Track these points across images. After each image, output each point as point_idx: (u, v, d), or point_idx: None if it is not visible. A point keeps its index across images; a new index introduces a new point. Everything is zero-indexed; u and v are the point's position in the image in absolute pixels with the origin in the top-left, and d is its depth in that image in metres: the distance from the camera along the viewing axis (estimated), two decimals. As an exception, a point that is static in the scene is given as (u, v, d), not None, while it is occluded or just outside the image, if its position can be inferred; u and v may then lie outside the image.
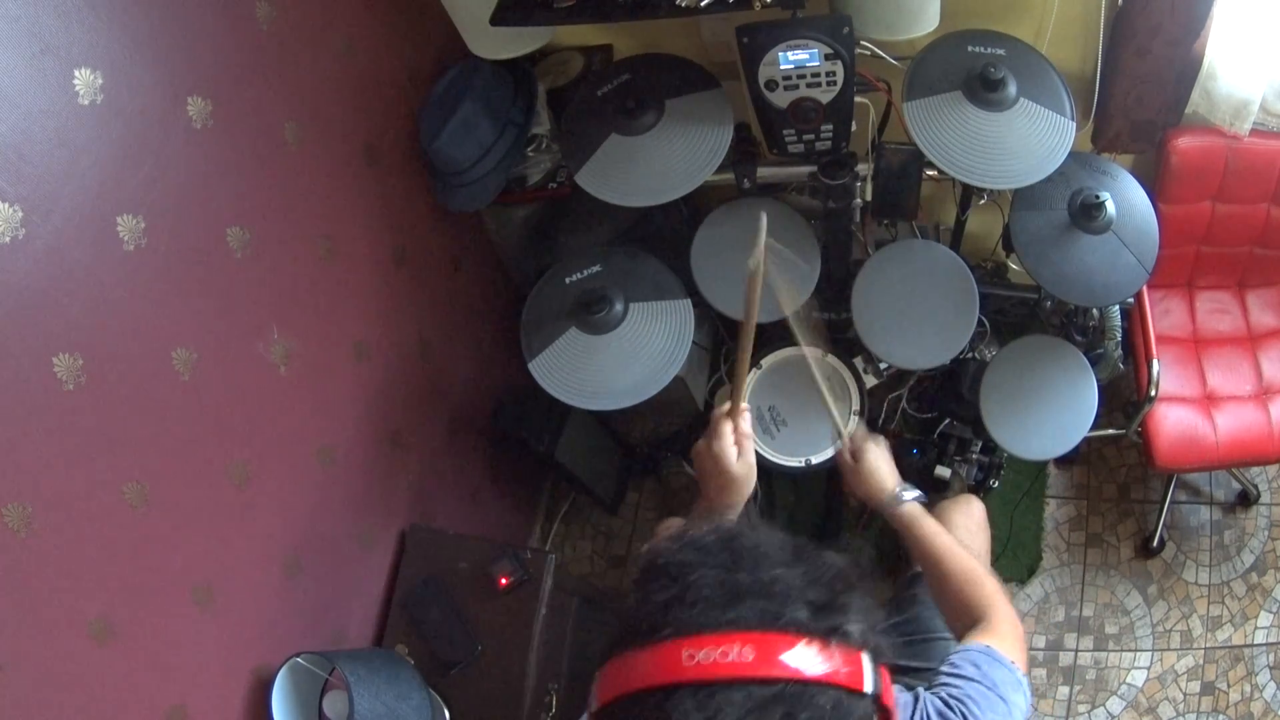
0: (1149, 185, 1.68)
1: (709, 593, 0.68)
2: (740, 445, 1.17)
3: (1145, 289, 1.84)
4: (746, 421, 1.19)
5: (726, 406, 1.18)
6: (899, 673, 1.39)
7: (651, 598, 0.69)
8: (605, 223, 1.95)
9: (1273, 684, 2.03)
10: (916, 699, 0.92)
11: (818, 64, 1.41)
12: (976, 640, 1.03)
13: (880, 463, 1.34)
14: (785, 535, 0.76)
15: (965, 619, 1.11)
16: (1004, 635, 1.04)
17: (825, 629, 0.67)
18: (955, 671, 0.96)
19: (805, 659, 0.64)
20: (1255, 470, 2.22)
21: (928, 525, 1.24)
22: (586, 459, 2.17)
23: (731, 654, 0.63)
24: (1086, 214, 1.59)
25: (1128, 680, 2.08)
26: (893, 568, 2.19)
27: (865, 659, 0.68)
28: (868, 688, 0.66)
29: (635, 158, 1.56)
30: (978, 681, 0.94)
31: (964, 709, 0.90)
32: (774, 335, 1.86)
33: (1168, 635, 2.11)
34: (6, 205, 0.97)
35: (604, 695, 0.69)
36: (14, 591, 1.00)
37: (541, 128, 1.75)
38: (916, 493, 1.29)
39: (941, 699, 0.92)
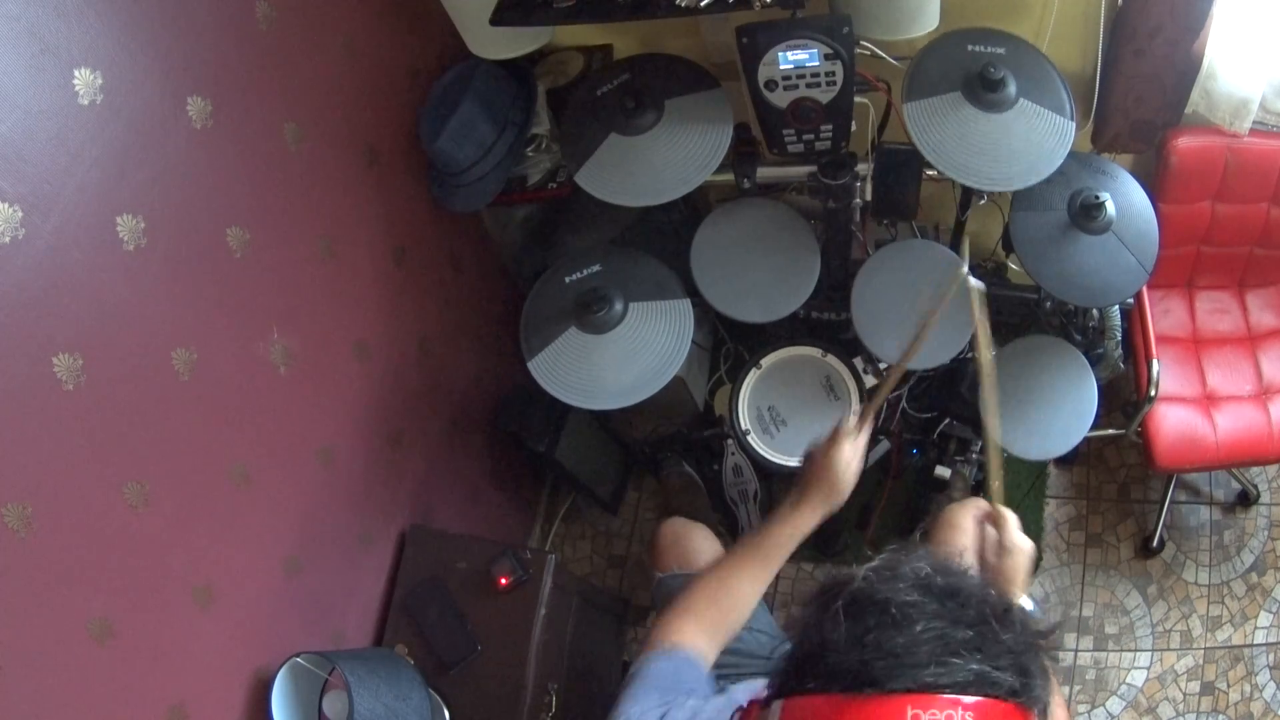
0: (1149, 185, 1.68)
1: (936, 648, 0.66)
2: (852, 460, 1.21)
3: (1145, 289, 1.84)
4: (865, 437, 1.22)
5: (854, 421, 1.22)
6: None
7: (873, 641, 0.67)
8: (605, 223, 1.95)
9: (1273, 684, 2.03)
10: None
11: (817, 64, 1.41)
12: None
13: (1022, 576, 1.24)
14: (984, 584, 0.75)
15: None
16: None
17: (1029, 698, 0.67)
18: None
19: None
20: (1255, 470, 2.22)
21: None
22: (586, 459, 2.17)
23: (955, 718, 0.63)
24: (1086, 214, 1.59)
25: (1128, 680, 2.08)
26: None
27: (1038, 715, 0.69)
28: None
29: (635, 158, 1.56)
30: None
31: None
32: (774, 335, 1.86)
33: (1168, 635, 2.11)
34: (6, 205, 0.97)
35: None
36: (14, 591, 1.00)
37: (541, 128, 1.75)
38: (1036, 611, 1.24)
39: None
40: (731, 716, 0.83)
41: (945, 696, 0.64)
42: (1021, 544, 1.22)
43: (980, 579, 0.75)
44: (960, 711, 0.63)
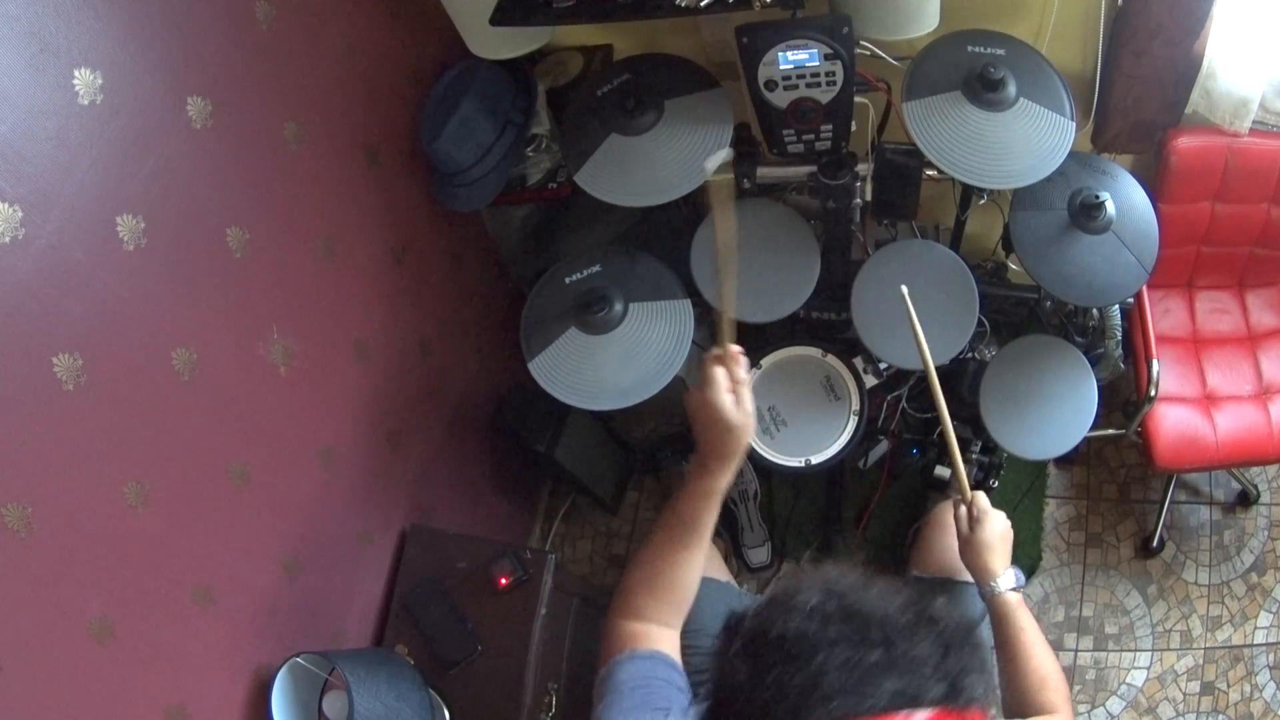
0: (1149, 185, 1.68)
1: (842, 677, 0.63)
2: (736, 392, 1.06)
3: (1145, 289, 1.84)
4: (742, 366, 1.08)
5: (718, 352, 1.08)
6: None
7: (774, 680, 0.64)
8: (605, 223, 1.95)
9: (1273, 684, 2.03)
10: None
11: (817, 64, 1.41)
12: (1040, 718, 1.05)
13: (995, 541, 1.28)
14: (888, 584, 0.71)
15: (1027, 710, 1.11)
16: None
17: (964, 700, 0.65)
18: None
19: None
20: (1255, 470, 2.22)
21: (1020, 619, 1.21)
22: (586, 459, 2.17)
23: None
24: (1086, 214, 1.59)
25: (1127, 680, 2.08)
26: (894, 569, 2.19)
27: (985, 715, 0.67)
28: None
29: (635, 158, 1.56)
30: None
31: None
32: (774, 335, 1.86)
33: (1167, 635, 2.11)
34: (6, 205, 0.97)
35: None
36: (14, 591, 1.00)
37: (541, 128, 1.75)
38: (1020, 580, 1.28)
39: None
40: None
41: None
42: (989, 510, 1.27)
43: (883, 589, 0.71)
44: None
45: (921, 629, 0.68)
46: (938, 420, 2.06)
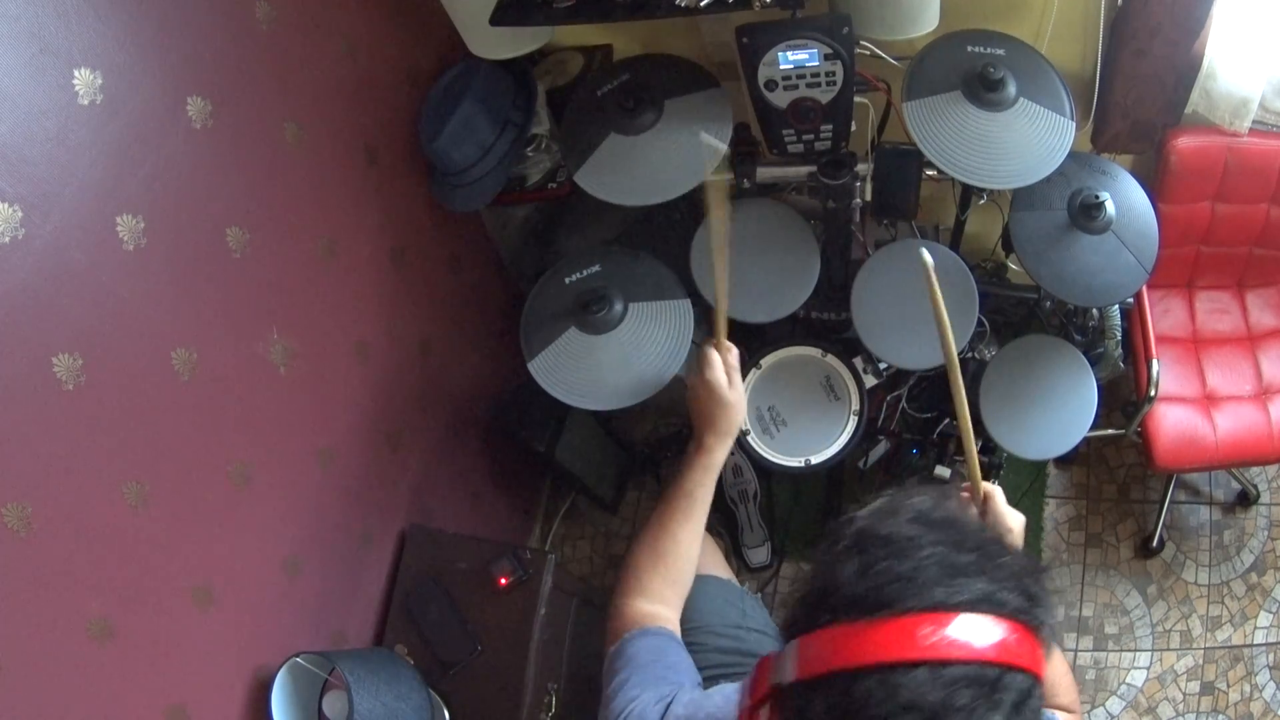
0: (1149, 185, 1.68)
1: (940, 571, 0.68)
2: (729, 375, 1.20)
3: (1145, 289, 1.84)
4: (734, 354, 1.22)
5: (714, 340, 1.21)
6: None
7: (880, 570, 0.69)
8: (605, 223, 1.95)
9: (1272, 684, 2.03)
10: None
11: (817, 64, 1.40)
12: (1049, 712, 1.04)
13: (1012, 533, 1.24)
14: (980, 520, 0.76)
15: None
16: (1070, 718, 1.05)
17: (1036, 620, 0.69)
18: None
19: (1021, 647, 0.66)
20: (1255, 470, 2.22)
21: None
22: (586, 459, 2.17)
23: (965, 634, 0.65)
24: (1086, 214, 1.59)
25: (1127, 680, 2.08)
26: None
27: (1045, 649, 0.70)
28: (1045, 675, 0.69)
29: (635, 157, 1.56)
30: None
31: None
32: (774, 335, 1.86)
33: (1167, 635, 2.11)
34: (6, 205, 0.97)
35: (815, 667, 0.68)
36: (14, 591, 1.00)
37: (541, 128, 1.75)
38: None
39: None
40: (741, 687, 0.83)
41: (951, 613, 0.65)
42: (1003, 507, 1.21)
43: (976, 517, 0.75)
44: (972, 627, 0.65)
45: (1006, 551, 0.73)
46: (938, 420, 2.07)
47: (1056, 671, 1.14)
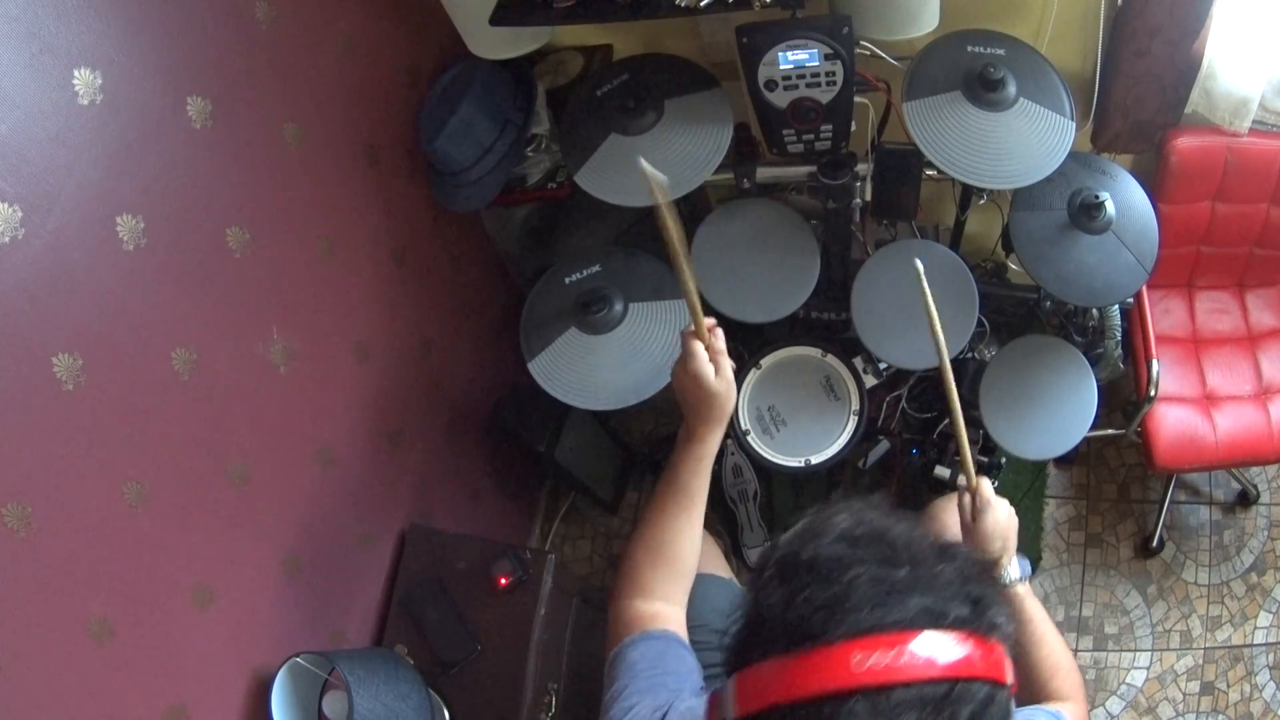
0: (1149, 185, 1.68)
1: (871, 591, 0.65)
2: (716, 362, 1.13)
3: (1145, 289, 1.84)
4: (719, 338, 1.15)
5: (693, 327, 1.15)
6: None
7: (805, 598, 0.66)
8: (605, 223, 1.94)
9: (1272, 684, 2.03)
10: None
11: (817, 64, 1.41)
12: (1050, 705, 1.04)
13: (1000, 531, 1.23)
14: (914, 525, 0.74)
15: (1039, 699, 1.11)
16: (1074, 709, 1.05)
17: (986, 625, 0.66)
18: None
19: (972, 657, 0.64)
20: (1255, 470, 2.22)
21: (1029, 609, 1.19)
22: (586, 459, 2.17)
23: (905, 656, 0.62)
24: (1086, 214, 1.59)
25: (1127, 680, 2.08)
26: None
27: (1005, 650, 0.68)
28: (1009, 678, 0.67)
29: (635, 157, 1.55)
30: None
31: None
32: (774, 335, 1.86)
33: (1167, 635, 2.11)
34: (6, 205, 0.97)
35: (752, 703, 0.66)
36: (14, 591, 1.00)
37: (541, 128, 1.75)
38: (1026, 571, 1.25)
39: None
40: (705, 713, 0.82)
41: (890, 635, 0.63)
42: (993, 498, 1.22)
43: (908, 522, 0.73)
44: (911, 648, 0.62)
45: (945, 558, 0.70)
46: (938, 420, 2.07)
47: (1053, 657, 1.13)
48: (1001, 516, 1.24)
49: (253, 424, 1.37)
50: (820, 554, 0.69)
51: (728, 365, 1.15)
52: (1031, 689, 1.12)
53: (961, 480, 1.31)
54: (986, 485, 1.27)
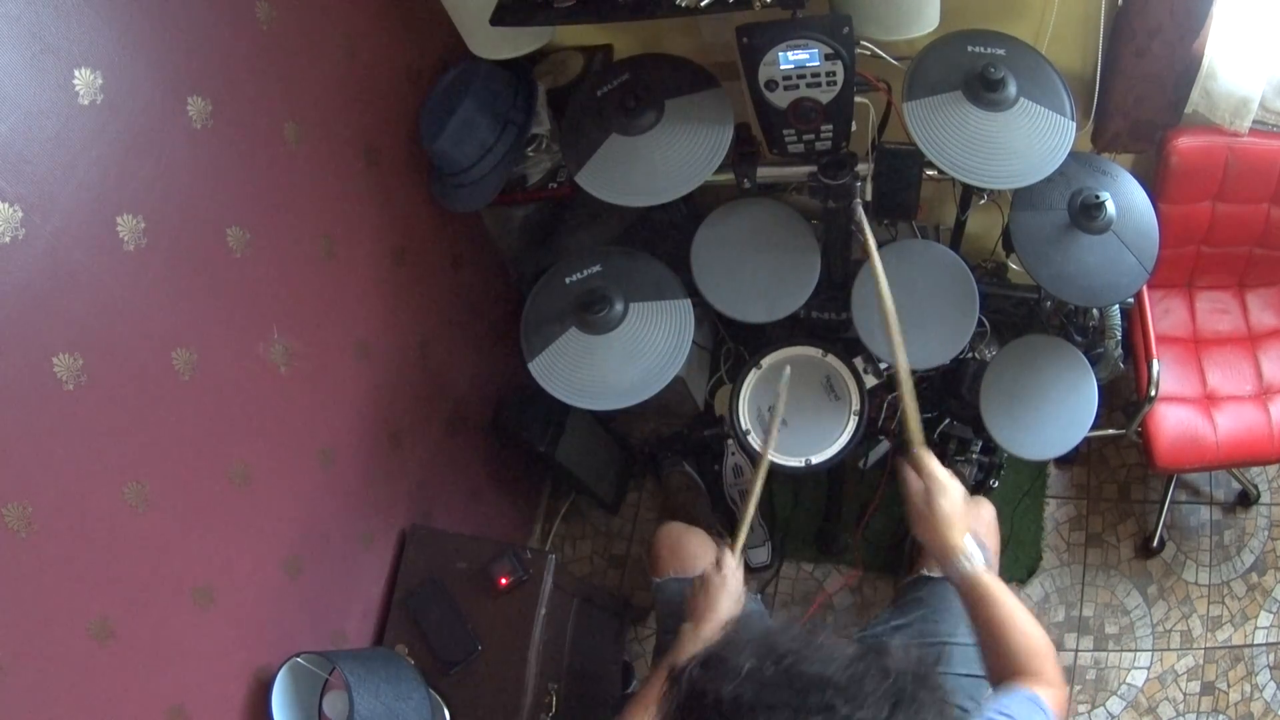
0: (1149, 185, 1.68)
1: None
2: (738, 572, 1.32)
3: (1145, 289, 1.84)
4: (741, 570, 1.34)
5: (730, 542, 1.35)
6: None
7: None
8: (605, 223, 1.95)
9: (1273, 684, 2.03)
10: None
11: (818, 64, 1.40)
12: (1025, 687, 1.00)
13: (957, 512, 1.19)
14: (833, 640, 0.70)
15: (1013, 676, 1.07)
16: (1055, 698, 1.01)
17: None
18: (1003, 712, 0.94)
19: None
20: (1255, 470, 2.22)
21: (994, 591, 1.13)
22: (586, 459, 2.17)
23: None
24: (1086, 214, 1.59)
25: (1128, 680, 2.08)
26: (894, 567, 2.19)
27: None
28: None
29: (635, 158, 1.56)
30: None
31: None
32: (774, 335, 1.86)
33: (1168, 635, 2.11)
34: (6, 205, 0.97)
35: None
36: (14, 591, 1.00)
37: (541, 128, 1.75)
38: (986, 554, 1.19)
39: None
40: None
41: None
42: (941, 476, 1.19)
43: (829, 649, 0.69)
44: None
45: (868, 685, 0.66)
46: (938, 420, 2.07)
47: (1027, 639, 1.08)
48: (957, 499, 1.19)
49: (253, 424, 1.37)
50: (725, 696, 0.65)
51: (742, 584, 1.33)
52: (1007, 673, 1.08)
53: (908, 458, 1.25)
54: (937, 465, 1.22)
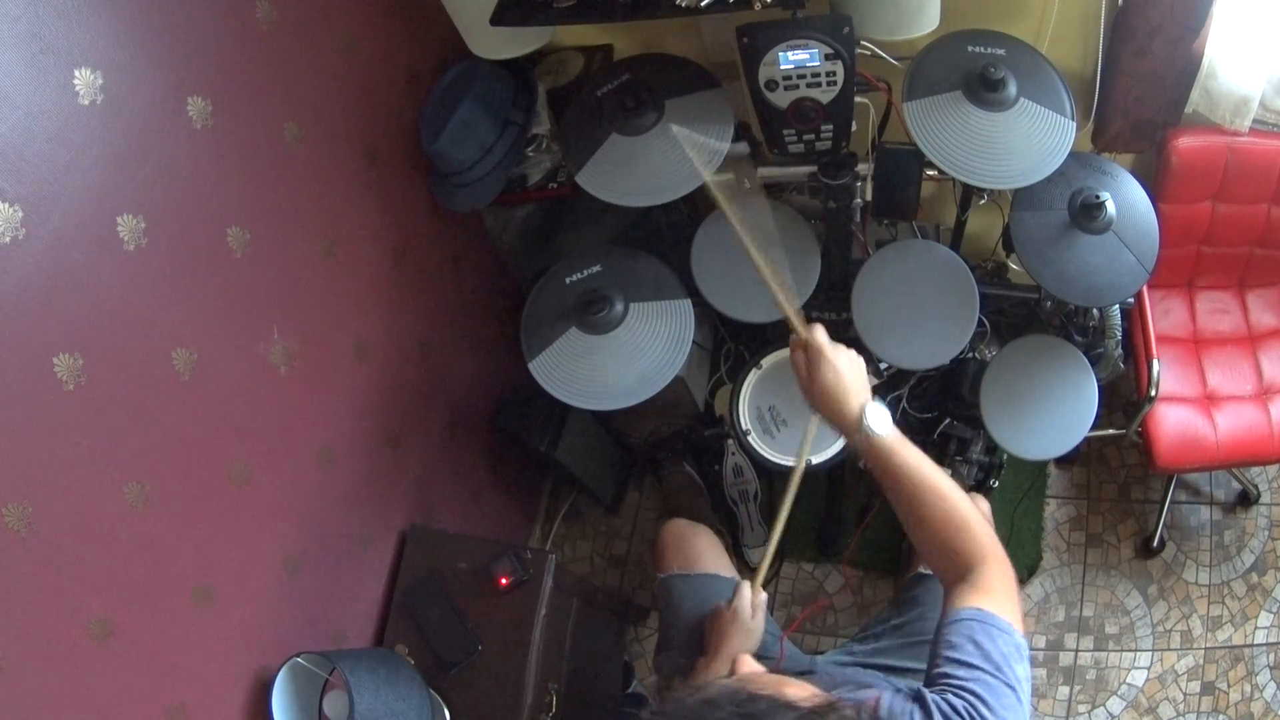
0: (1149, 185, 1.68)
1: None
2: (754, 611, 1.30)
3: (1145, 289, 1.84)
4: (763, 597, 1.32)
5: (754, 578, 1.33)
6: (897, 674, 1.37)
7: None
8: (605, 223, 1.95)
9: (1273, 684, 2.03)
10: (924, 706, 0.88)
11: (818, 64, 1.41)
12: (968, 604, 0.94)
13: (841, 376, 1.09)
14: (774, 697, 0.70)
15: (950, 568, 1.01)
16: (996, 591, 0.95)
17: None
18: (955, 656, 0.90)
19: None
20: (1255, 470, 2.22)
21: (906, 455, 1.05)
22: (586, 459, 2.17)
23: None
24: (1086, 214, 1.59)
25: (1128, 680, 2.08)
26: (894, 568, 2.19)
27: None
28: None
29: (635, 158, 1.56)
30: (980, 669, 0.88)
31: (973, 711, 0.85)
32: (774, 335, 1.86)
33: (1168, 635, 2.11)
34: (6, 205, 0.97)
35: None
36: (14, 591, 1.00)
37: (541, 128, 1.75)
38: (884, 410, 1.09)
39: (949, 703, 0.87)
40: None
41: None
42: (823, 345, 1.11)
43: (771, 712, 0.69)
44: None
45: None
46: (938, 420, 2.07)
47: (951, 510, 1.02)
48: (842, 364, 1.11)
49: (253, 424, 1.37)
50: None
51: (761, 619, 1.30)
52: (940, 553, 1.03)
53: (793, 337, 1.17)
54: (819, 332, 1.13)
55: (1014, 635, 0.91)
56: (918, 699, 0.89)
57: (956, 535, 1.01)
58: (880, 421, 1.08)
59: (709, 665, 1.29)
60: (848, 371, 1.11)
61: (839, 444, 1.68)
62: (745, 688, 0.73)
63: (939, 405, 2.07)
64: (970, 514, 1.02)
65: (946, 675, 0.89)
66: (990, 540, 1.01)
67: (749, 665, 1.04)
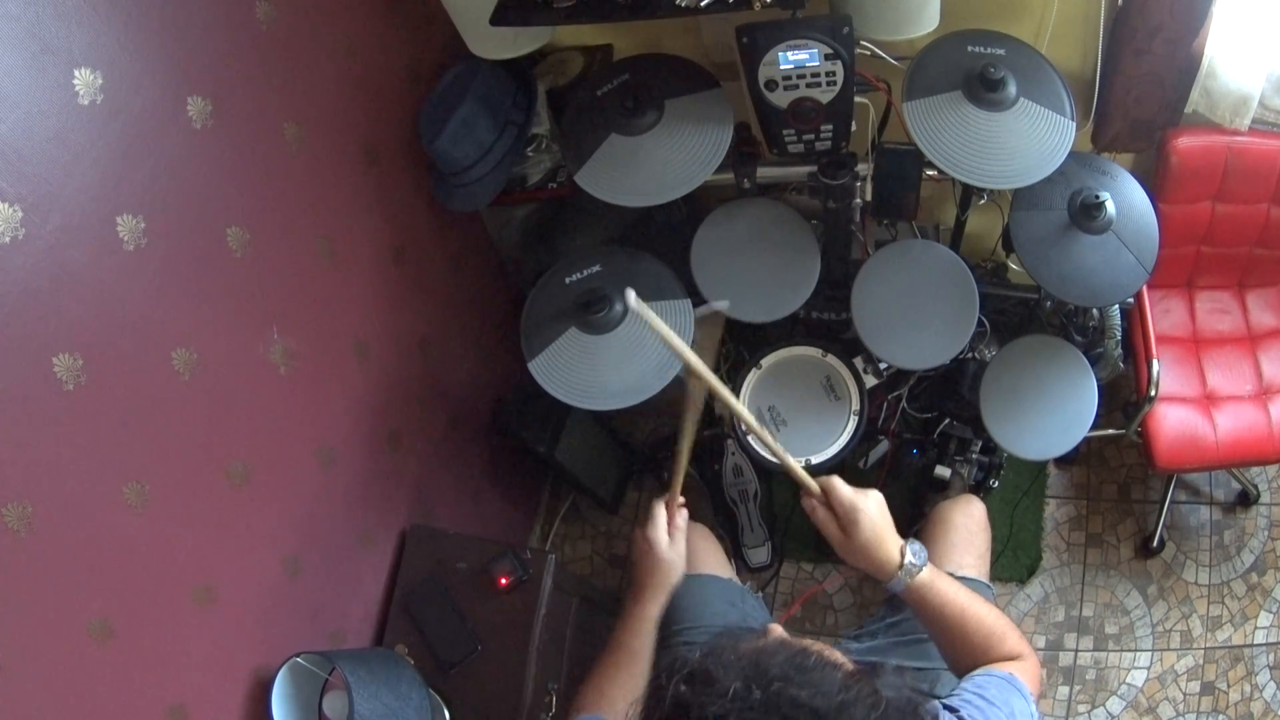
0: (1149, 185, 1.68)
1: None
2: (672, 534, 1.24)
3: (1145, 289, 1.84)
4: (683, 516, 1.26)
5: (666, 497, 1.26)
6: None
7: None
8: (605, 223, 1.95)
9: (1273, 684, 2.03)
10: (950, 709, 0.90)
11: (817, 64, 1.41)
12: (1000, 668, 1.00)
13: (879, 531, 1.09)
14: (825, 661, 0.70)
15: (981, 664, 1.05)
16: (1027, 671, 1.00)
17: None
18: (978, 691, 0.94)
19: None
20: (1255, 470, 2.22)
21: (941, 591, 1.07)
22: (586, 459, 2.17)
23: None
24: (1086, 214, 1.59)
25: (1128, 680, 2.08)
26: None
27: None
28: None
29: (635, 158, 1.56)
30: (996, 707, 0.91)
31: None
32: (774, 335, 1.86)
33: (1168, 635, 2.11)
34: (6, 205, 0.97)
35: None
36: (14, 591, 1.00)
37: (541, 128, 1.75)
38: (921, 551, 1.10)
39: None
40: None
41: None
42: (855, 501, 1.09)
43: (818, 672, 0.69)
44: None
45: (856, 714, 0.66)
46: (938, 420, 2.07)
47: (984, 625, 1.06)
48: (874, 514, 1.09)
49: (253, 424, 1.37)
50: (708, 716, 0.66)
51: (683, 540, 1.25)
52: (974, 660, 1.06)
53: (807, 497, 1.15)
54: (840, 487, 1.11)
55: (1030, 704, 0.95)
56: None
57: (998, 646, 1.05)
58: (920, 556, 1.09)
59: (635, 601, 1.22)
60: (881, 518, 1.10)
61: (839, 444, 1.69)
62: (797, 642, 0.74)
63: (939, 405, 2.07)
64: (1004, 621, 1.07)
65: (963, 699, 0.94)
66: (1024, 644, 1.06)
67: (781, 633, 1.03)
